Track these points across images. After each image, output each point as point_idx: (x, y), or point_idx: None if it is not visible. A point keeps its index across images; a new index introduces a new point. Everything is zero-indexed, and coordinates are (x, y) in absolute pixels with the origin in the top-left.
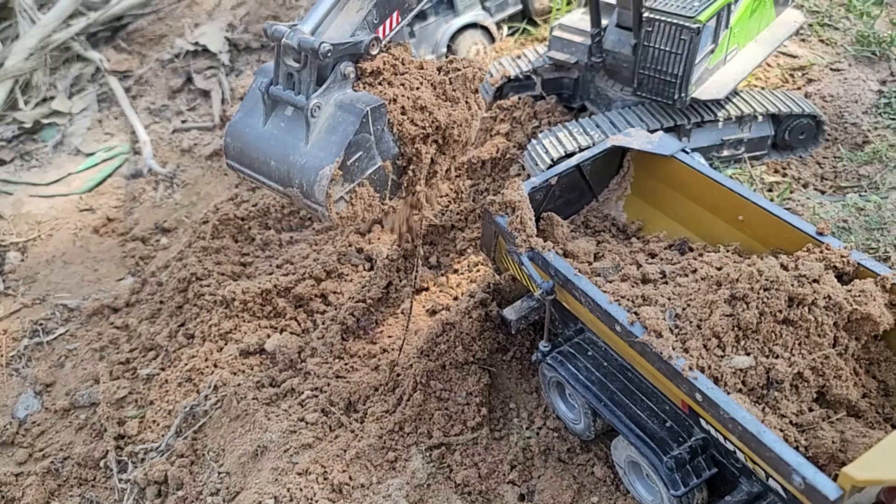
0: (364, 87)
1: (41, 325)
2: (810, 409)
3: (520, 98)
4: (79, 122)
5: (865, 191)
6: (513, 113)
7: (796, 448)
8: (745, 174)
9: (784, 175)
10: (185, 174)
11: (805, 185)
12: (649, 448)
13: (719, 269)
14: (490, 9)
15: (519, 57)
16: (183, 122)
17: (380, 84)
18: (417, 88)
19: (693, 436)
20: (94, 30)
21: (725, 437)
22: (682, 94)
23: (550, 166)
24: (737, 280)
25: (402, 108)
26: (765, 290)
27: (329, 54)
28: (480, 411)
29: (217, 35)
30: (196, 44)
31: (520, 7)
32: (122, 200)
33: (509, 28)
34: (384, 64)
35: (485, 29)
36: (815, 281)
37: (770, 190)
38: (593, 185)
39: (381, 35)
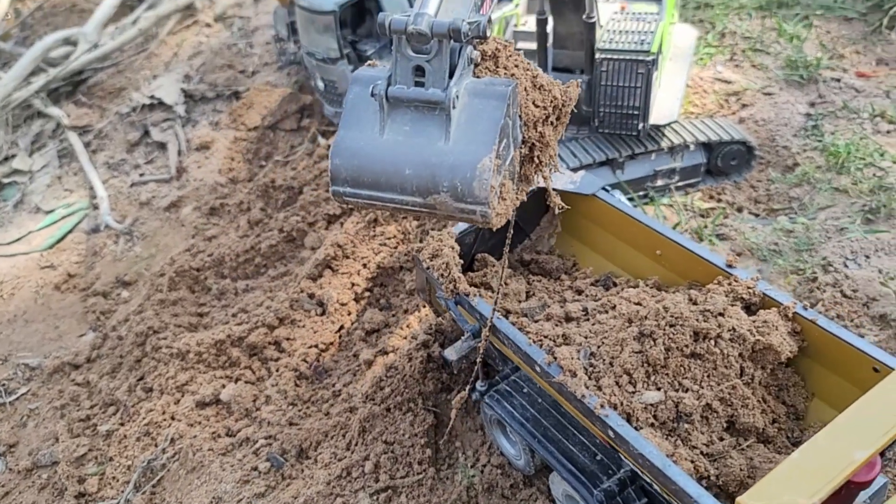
0: (485, 73)
1: (3, 385)
2: (721, 439)
3: None
4: (39, 179)
5: (796, 212)
6: None
7: (707, 477)
8: (677, 204)
9: (719, 201)
10: (144, 227)
11: (739, 210)
12: (580, 482)
13: (638, 303)
14: None
15: None
16: (141, 175)
17: (497, 67)
18: (529, 68)
19: (622, 467)
20: (55, 86)
21: (641, 471)
22: (644, 124)
23: None
24: (645, 317)
25: (525, 88)
26: (670, 326)
27: (469, 34)
28: (426, 452)
29: (173, 87)
30: (152, 97)
31: None
32: (82, 256)
33: None
34: (497, 45)
35: None
36: (720, 314)
37: (704, 216)
38: (524, 224)
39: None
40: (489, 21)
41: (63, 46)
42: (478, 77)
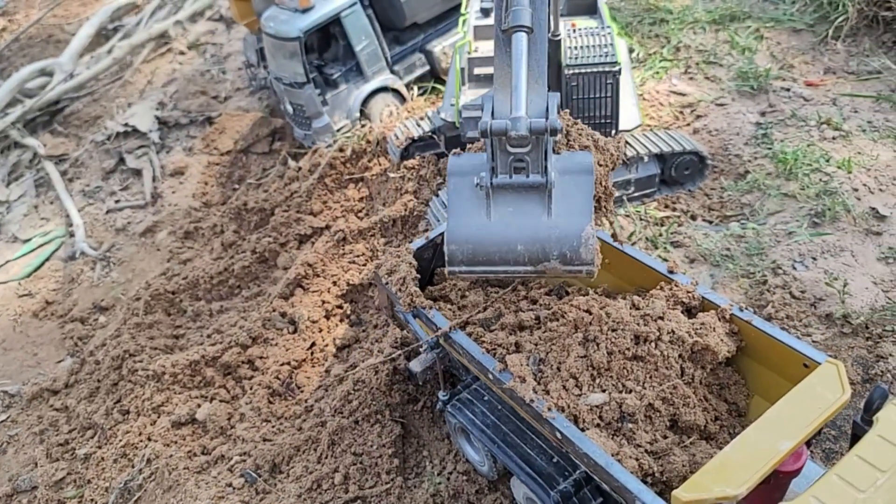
0: (560, 147)
1: None
2: (664, 437)
3: (423, 157)
4: (16, 208)
5: (747, 218)
6: (419, 171)
7: (652, 474)
8: (633, 214)
9: (674, 209)
10: (120, 252)
11: (693, 217)
12: (537, 484)
13: (586, 311)
14: (399, 72)
15: (422, 118)
16: (116, 202)
17: (569, 140)
18: (590, 134)
19: (578, 469)
20: (32, 116)
21: (590, 472)
22: (616, 131)
23: None
24: (589, 323)
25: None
26: (612, 330)
27: (561, 129)
28: (393, 462)
29: (147, 114)
30: (126, 125)
31: (427, 68)
32: (60, 283)
33: (419, 88)
34: (566, 123)
35: (395, 91)
36: (660, 318)
37: (660, 225)
38: None
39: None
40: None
41: (39, 77)
42: (556, 153)
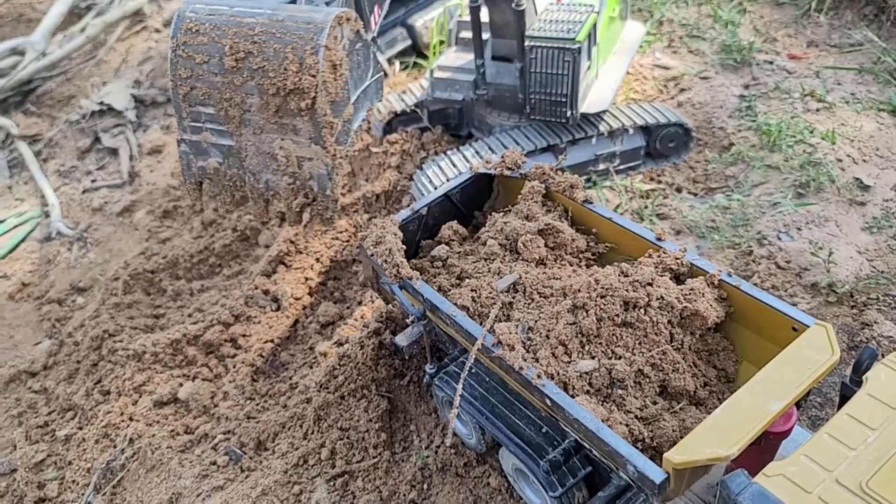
0: None
1: None
2: (654, 403)
3: (406, 131)
4: None
5: (732, 190)
6: (402, 146)
7: (642, 440)
8: (618, 187)
9: (659, 182)
10: (97, 233)
11: (678, 190)
12: (526, 454)
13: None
14: (380, 46)
15: (404, 92)
16: (92, 181)
17: None
18: None
19: (567, 438)
20: (3, 96)
21: (580, 439)
22: (573, 111)
23: None
24: (578, 290)
25: None
26: (601, 297)
27: None
28: (380, 437)
29: (123, 93)
30: (101, 103)
31: (409, 42)
32: (36, 264)
33: (401, 63)
34: None
35: None
36: (649, 284)
37: (645, 197)
38: (466, 210)
39: None
40: None
41: (10, 56)
42: None
